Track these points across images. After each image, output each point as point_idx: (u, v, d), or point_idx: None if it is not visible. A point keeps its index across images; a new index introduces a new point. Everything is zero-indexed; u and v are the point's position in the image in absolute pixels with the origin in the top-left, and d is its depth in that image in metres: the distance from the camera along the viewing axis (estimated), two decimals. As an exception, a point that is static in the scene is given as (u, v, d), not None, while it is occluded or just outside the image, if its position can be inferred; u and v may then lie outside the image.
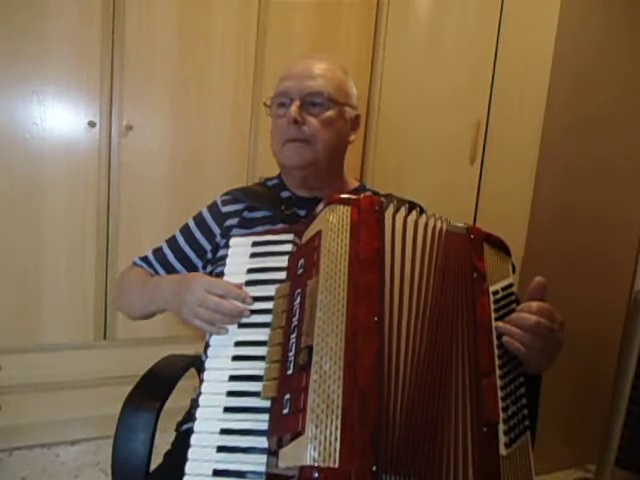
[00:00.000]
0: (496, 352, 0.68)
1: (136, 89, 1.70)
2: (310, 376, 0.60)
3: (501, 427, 0.63)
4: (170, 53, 1.72)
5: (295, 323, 0.68)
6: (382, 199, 0.74)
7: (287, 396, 0.62)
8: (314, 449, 0.56)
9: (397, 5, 1.92)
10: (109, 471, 0.79)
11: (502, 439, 0.62)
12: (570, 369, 1.80)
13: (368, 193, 1.01)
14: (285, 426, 0.61)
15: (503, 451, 0.62)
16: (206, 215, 1.01)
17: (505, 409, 0.64)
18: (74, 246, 1.70)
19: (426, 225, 0.74)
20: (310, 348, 0.62)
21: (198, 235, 1.00)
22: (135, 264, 1.05)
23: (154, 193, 1.77)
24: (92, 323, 1.76)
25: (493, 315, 0.70)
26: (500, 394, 0.65)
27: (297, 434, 0.58)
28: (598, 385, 1.86)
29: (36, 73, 1.58)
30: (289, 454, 0.58)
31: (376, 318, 0.64)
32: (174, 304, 0.83)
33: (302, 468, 0.56)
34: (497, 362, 0.67)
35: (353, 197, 0.74)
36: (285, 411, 0.61)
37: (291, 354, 0.66)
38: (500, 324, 0.69)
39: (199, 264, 1.01)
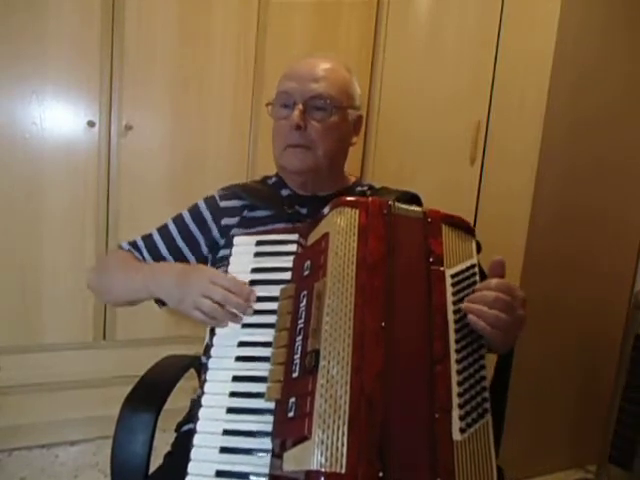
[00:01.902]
0: (453, 336, 0.67)
1: (136, 89, 1.70)
2: (317, 380, 0.60)
3: (456, 412, 0.62)
4: (170, 53, 1.72)
5: (301, 325, 0.67)
6: (390, 202, 0.73)
7: (292, 399, 0.62)
8: (321, 454, 0.55)
9: (397, 5, 1.92)
10: (108, 472, 0.79)
11: (457, 424, 0.62)
12: (571, 369, 1.80)
13: (365, 188, 1.02)
14: (290, 429, 0.60)
15: (458, 436, 0.61)
16: (202, 207, 0.98)
17: (461, 394, 0.64)
18: (74, 246, 1.70)
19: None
20: (317, 352, 0.62)
21: (193, 228, 0.97)
22: (122, 248, 0.99)
23: (154, 193, 1.77)
24: (91, 323, 1.75)
25: (451, 298, 0.69)
26: (457, 379, 0.64)
27: (303, 438, 0.58)
28: (599, 385, 1.86)
29: (36, 73, 1.57)
30: (294, 457, 0.58)
31: (383, 324, 0.64)
32: (175, 295, 0.80)
33: (308, 472, 0.55)
34: (454, 346, 0.66)
35: (361, 199, 0.73)
36: (290, 414, 0.61)
37: (297, 357, 0.65)
38: (463, 305, 0.68)
39: (191, 258, 0.97)
